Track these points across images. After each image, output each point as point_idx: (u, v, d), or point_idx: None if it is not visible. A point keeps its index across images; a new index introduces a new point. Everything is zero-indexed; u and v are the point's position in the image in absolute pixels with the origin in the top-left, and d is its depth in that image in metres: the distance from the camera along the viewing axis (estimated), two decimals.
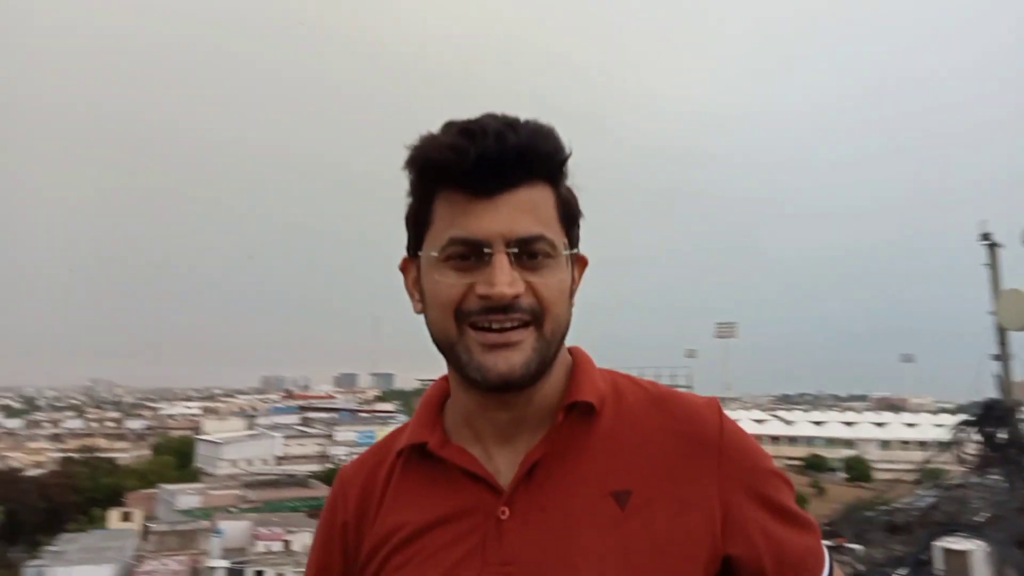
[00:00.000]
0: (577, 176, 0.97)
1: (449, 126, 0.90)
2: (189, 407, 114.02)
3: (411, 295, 1.00)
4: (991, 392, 8.92)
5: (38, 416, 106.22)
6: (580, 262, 1.00)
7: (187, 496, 48.28)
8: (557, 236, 0.92)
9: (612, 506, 0.91)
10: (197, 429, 79.92)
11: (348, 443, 74.96)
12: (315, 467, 67.85)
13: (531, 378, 0.91)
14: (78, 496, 48.50)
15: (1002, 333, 9.19)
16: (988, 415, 8.50)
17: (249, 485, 54.90)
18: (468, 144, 0.86)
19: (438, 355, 0.96)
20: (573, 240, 0.97)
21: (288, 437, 73.75)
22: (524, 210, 0.89)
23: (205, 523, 41.74)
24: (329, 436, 76.54)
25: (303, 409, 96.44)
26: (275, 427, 78.39)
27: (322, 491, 57.08)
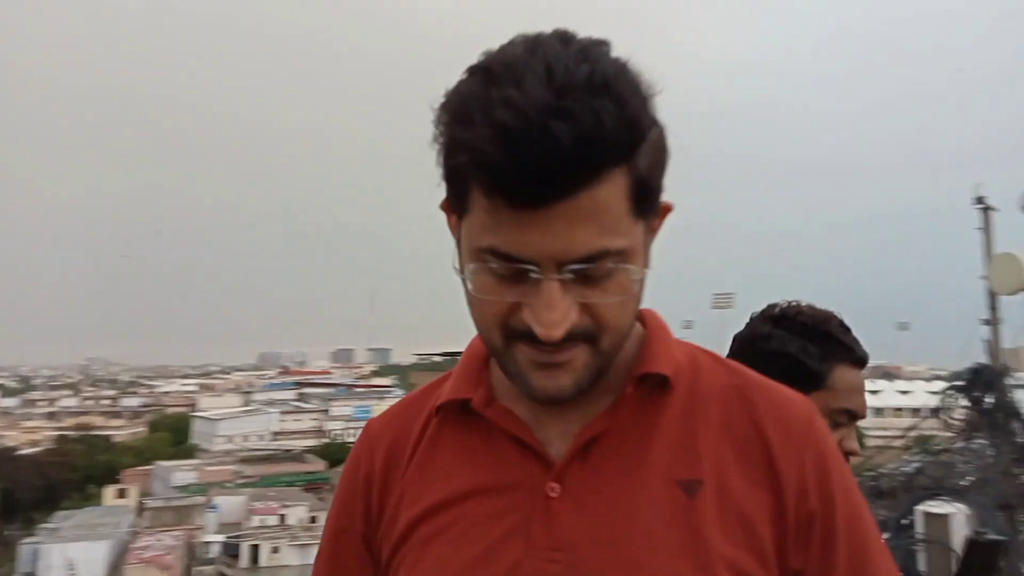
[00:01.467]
0: (665, 105, 0.73)
1: (482, 107, 0.66)
2: (185, 384, 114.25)
3: (454, 235, 0.80)
4: (982, 358, 8.82)
5: (34, 395, 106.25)
6: (663, 210, 0.80)
7: (183, 472, 48.61)
8: (628, 235, 0.71)
9: (680, 496, 0.78)
10: (193, 406, 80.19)
11: (344, 418, 75.39)
12: (311, 442, 68.24)
13: (585, 391, 0.77)
14: (74, 474, 48.81)
15: (993, 298, 9.05)
16: (976, 380, 8.38)
17: (245, 461, 55.27)
18: (502, 153, 0.64)
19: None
20: (653, 210, 0.77)
21: (284, 413, 74.13)
22: (585, 220, 0.67)
23: (201, 499, 42.00)
24: (325, 411, 76.88)
25: (299, 385, 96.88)
26: (271, 403, 78.74)
27: (319, 466, 57.66)
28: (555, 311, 0.69)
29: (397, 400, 0.99)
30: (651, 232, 0.79)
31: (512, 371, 0.77)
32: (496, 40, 0.72)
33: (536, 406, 0.83)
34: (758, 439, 0.81)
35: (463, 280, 0.77)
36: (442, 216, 0.81)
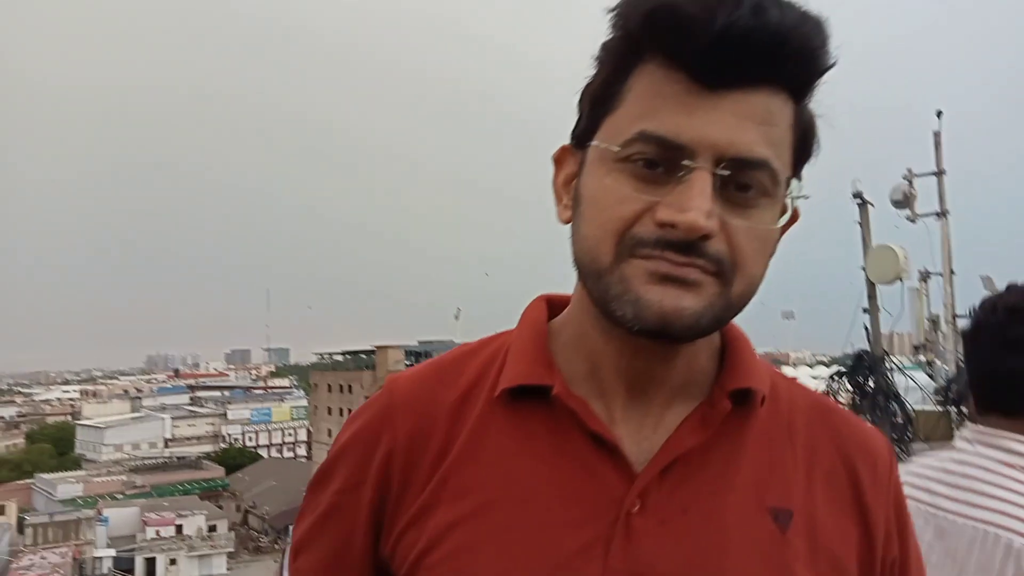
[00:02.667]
0: (824, 100, 0.70)
1: None
2: (67, 391, 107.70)
3: (557, 197, 0.75)
4: (863, 344, 9.53)
5: None
6: (792, 216, 0.73)
7: (67, 485, 46.02)
8: (784, 168, 0.66)
9: (770, 525, 0.72)
10: (76, 414, 75.70)
11: (242, 421, 73.01)
12: (208, 448, 65.76)
13: (696, 334, 0.67)
14: None
15: (872, 287, 9.78)
16: (858, 366, 9.06)
17: (136, 470, 52.75)
18: (717, 5, 0.60)
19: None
20: (799, 176, 0.71)
21: (177, 418, 70.95)
22: (755, 120, 0.63)
23: (89, 512, 39.78)
24: (223, 415, 74.16)
25: (192, 388, 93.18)
26: (163, 408, 75.23)
27: (216, 472, 55.77)
28: (705, 200, 0.62)
29: (427, 361, 0.86)
30: (782, 225, 0.72)
31: (616, 292, 0.66)
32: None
33: (612, 402, 0.75)
34: (846, 472, 0.76)
35: (572, 216, 0.71)
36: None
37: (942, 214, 10.14)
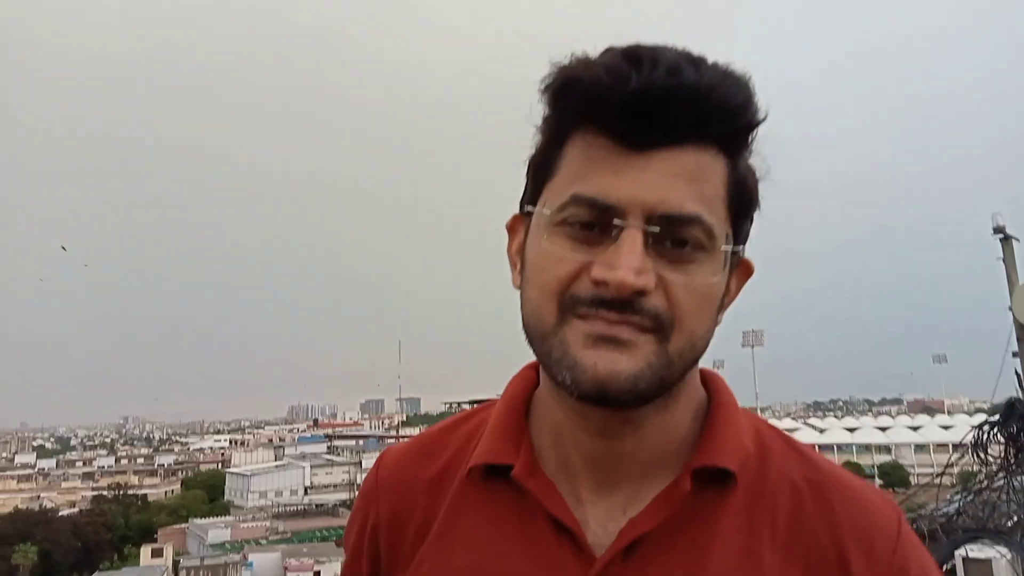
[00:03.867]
0: (766, 156, 0.71)
1: (610, 49, 0.65)
2: (218, 440, 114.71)
3: (512, 263, 0.76)
4: (1017, 390, 8.65)
5: (71, 456, 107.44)
6: (743, 268, 0.74)
7: (217, 530, 48.49)
8: (719, 223, 0.66)
9: None
10: (226, 462, 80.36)
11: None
12: (343, 495, 67.88)
13: (636, 398, 0.65)
14: (111, 534, 48.86)
15: (1021, 328, 8.92)
16: (1011, 415, 8.23)
17: (278, 516, 55.10)
18: (631, 71, 0.62)
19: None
20: (740, 235, 0.71)
21: (316, 466, 73.84)
22: (684, 178, 0.64)
23: (235, 556, 41.79)
24: (357, 463, 76.55)
25: (329, 438, 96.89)
26: (303, 457, 78.56)
27: None
28: (634, 257, 0.62)
29: (416, 435, 0.89)
30: (735, 272, 0.73)
31: (557, 356, 0.66)
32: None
33: (575, 477, 0.74)
34: (833, 551, 0.70)
35: (520, 271, 0.73)
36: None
37: None
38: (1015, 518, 7.40)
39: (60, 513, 51.76)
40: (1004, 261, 9.15)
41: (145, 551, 43.75)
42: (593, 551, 0.70)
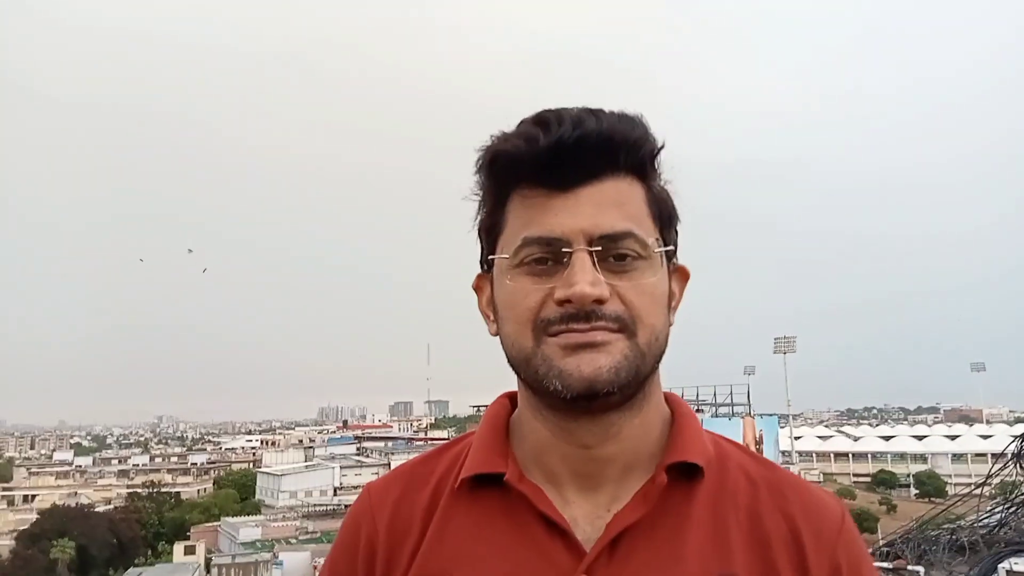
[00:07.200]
0: (674, 177, 0.85)
1: (524, 120, 0.80)
2: (250, 440, 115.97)
3: (485, 316, 0.87)
4: None
5: (107, 453, 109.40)
6: (680, 273, 0.87)
7: (248, 528, 49.02)
8: (648, 234, 0.79)
9: None
10: (257, 462, 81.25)
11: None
12: None
13: (621, 388, 0.76)
14: (145, 530, 49.75)
15: None
16: None
17: (308, 516, 55.54)
18: (540, 132, 0.77)
19: (492, 380, 0.85)
20: (668, 241, 0.84)
21: (345, 467, 74.41)
22: (609, 204, 0.78)
23: (266, 555, 42.20)
24: (387, 465, 76.87)
25: (359, 439, 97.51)
26: (332, 458, 79.22)
27: None
28: (587, 273, 0.74)
29: (398, 467, 0.97)
30: (674, 277, 0.85)
31: (543, 371, 0.77)
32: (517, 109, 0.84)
33: (562, 485, 0.83)
34: (790, 535, 0.81)
35: (494, 319, 0.84)
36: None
37: None
38: None
39: (96, 509, 52.76)
40: None
41: (178, 548, 44.39)
42: (583, 545, 0.78)
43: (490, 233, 0.84)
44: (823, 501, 0.85)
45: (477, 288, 0.89)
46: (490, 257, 0.84)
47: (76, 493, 66.88)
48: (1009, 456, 8.18)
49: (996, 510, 8.69)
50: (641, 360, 0.77)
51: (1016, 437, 8.42)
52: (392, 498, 0.90)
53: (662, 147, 0.82)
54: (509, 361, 0.82)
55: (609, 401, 0.77)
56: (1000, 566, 6.39)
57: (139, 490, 63.26)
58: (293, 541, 47.65)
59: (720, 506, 0.82)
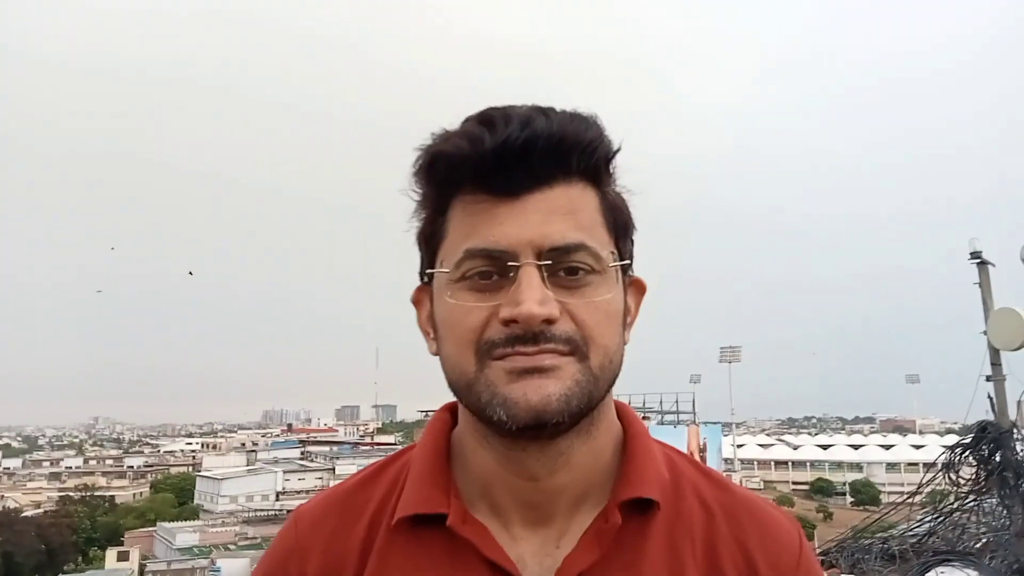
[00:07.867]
0: (629, 181, 0.77)
1: (468, 118, 0.72)
2: (190, 443, 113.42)
3: (425, 333, 0.79)
4: (989, 414, 8.75)
5: (38, 455, 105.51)
6: (636, 286, 0.80)
7: (185, 534, 47.87)
8: (603, 246, 0.72)
9: None
10: (197, 465, 79.38)
11: (349, 476, 74.10)
12: None
13: (571, 417, 0.69)
14: (76, 536, 48.00)
15: (995, 353, 9.02)
16: (982, 438, 8.31)
17: (248, 521, 54.41)
18: (485, 132, 0.69)
19: (441, 385, 0.75)
20: (624, 254, 0.76)
21: (288, 471, 73.17)
22: (560, 212, 0.70)
23: (203, 561, 41.24)
24: (331, 470, 75.95)
25: (303, 443, 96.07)
26: (276, 462, 77.86)
27: None
28: (534, 290, 0.67)
29: (332, 488, 0.89)
30: (630, 290, 0.78)
31: (486, 398, 0.69)
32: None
33: (508, 519, 0.76)
34: (745, 566, 0.77)
35: (435, 337, 0.76)
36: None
37: None
38: (984, 540, 7.46)
39: (24, 514, 50.74)
40: (980, 286, 9.25)
41: (111, 554, 43.01)
42: None
43: (429, 242, 0.76)
44: (780, 527, 0.80)
45: (416, 302, 0.81)
46: (429, 271, 0.76)
47: (3, 497, 64.28)
48: (940, 466, 8.44)
49: (926, 519, 8.95)
50: (594, 385, 0.70)
51: (946, 448, 8.69)
52: (324, 533, 0.81)
53: (618, 150, 0.74)
54: (450, 385, 0.74)
55: (558, 429, 0.70)
56: (927, 575, 6.60)
57: (71, 494, 61.04)
58: (232, 547, 46.65)
59: (676, 539, 0.76)
